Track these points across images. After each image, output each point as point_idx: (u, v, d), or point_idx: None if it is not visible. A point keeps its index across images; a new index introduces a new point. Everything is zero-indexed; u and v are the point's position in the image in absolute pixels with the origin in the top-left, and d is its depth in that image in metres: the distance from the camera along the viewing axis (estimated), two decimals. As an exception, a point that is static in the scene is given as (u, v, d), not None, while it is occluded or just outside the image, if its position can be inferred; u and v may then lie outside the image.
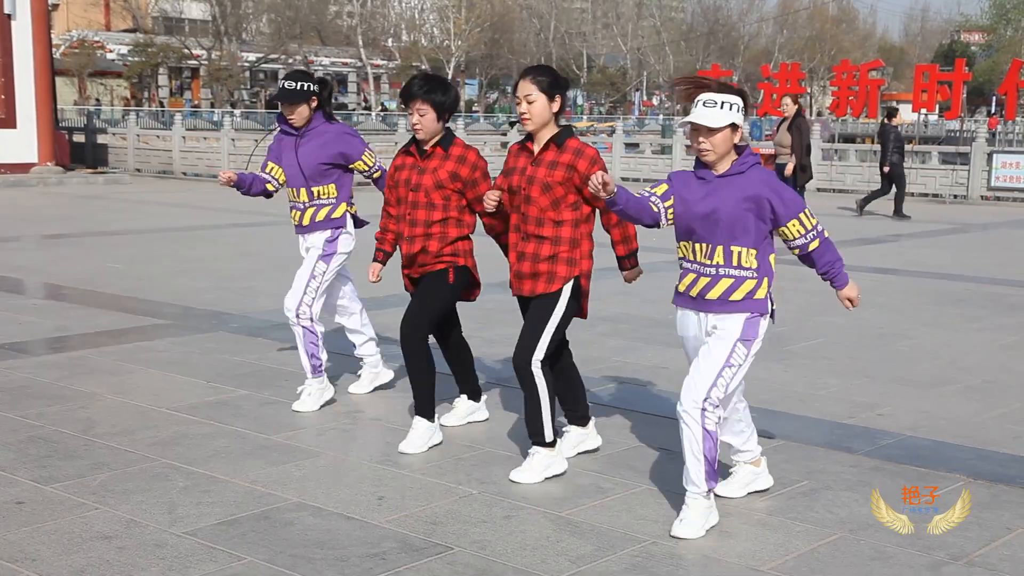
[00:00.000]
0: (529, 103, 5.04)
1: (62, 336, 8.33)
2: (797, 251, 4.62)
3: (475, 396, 6.20)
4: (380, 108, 68.85)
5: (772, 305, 4.66)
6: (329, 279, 6.45)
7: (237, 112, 52.97)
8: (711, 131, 4.41)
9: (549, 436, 5.11)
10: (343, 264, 6.56)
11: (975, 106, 62.46)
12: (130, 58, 62.85)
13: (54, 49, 30.38)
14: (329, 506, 4.83)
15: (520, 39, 76.05)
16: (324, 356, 6.44)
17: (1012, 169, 22.83)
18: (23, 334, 8.32)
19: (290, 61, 66.89)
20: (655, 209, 4.60)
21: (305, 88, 6.27)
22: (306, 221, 6.45)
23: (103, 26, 69.48)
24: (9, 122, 24.19)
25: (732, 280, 4.50)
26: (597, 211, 5.19)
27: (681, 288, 4.67)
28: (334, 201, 6.44)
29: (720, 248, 4.49)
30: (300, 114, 6.31)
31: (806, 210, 4.53)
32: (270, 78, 71.24)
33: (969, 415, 6.42)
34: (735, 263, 4.49)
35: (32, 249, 14.25)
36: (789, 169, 14.97)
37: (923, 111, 32.18)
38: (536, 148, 5.14)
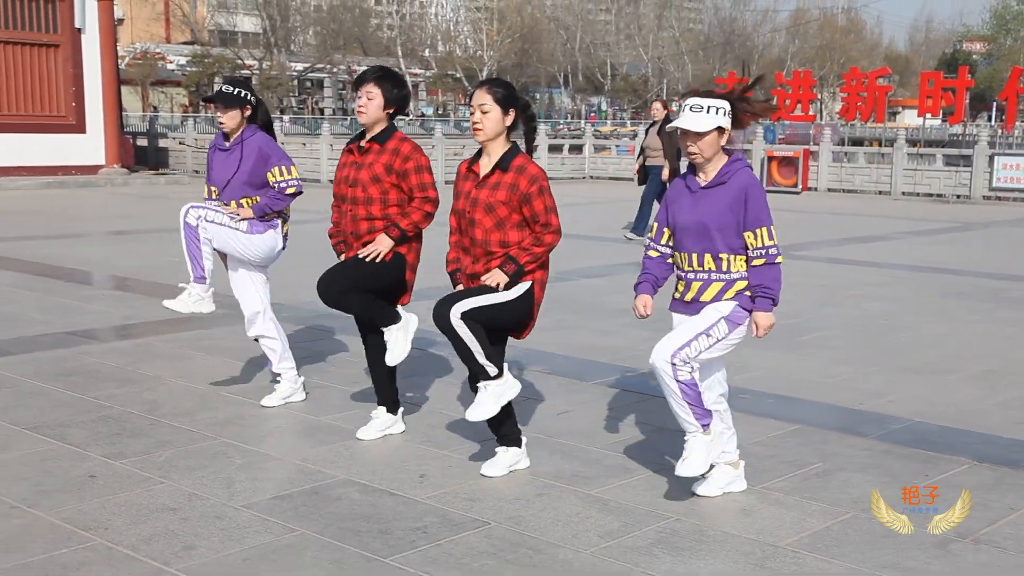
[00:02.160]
0: (483, 113, 4.68)
1: (128, 324, 8.39)
2: (747, 260, 4.43)
3: (394, 408, 5.58)
4: (419, 114, 68.89)
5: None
6: (236, 239, 5.84)
7: (286, 118, 53.00)
8: (698, 135, 4.33)
9: (493, 370, 4.68)
10: (256, 252, 5.92)
11: (976, 111, 61.76)
12: (188, 68, 63.21)
13: (120, 60, 30.56)
14: (374, 483, 4.83)
15: (548, 49, 75.84)
16: (209, 265, 5.86)
17: (1012, 171, 22.54)
18: (93, 322, 8.39)
19: (334, 70, 67.07)
20: (657, 255, 4.63)
21: (240, 94, 5.85)
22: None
23: (164, 39, 69.94)
24: (79, 127, 24.39)
25: (723, 283, 4.44)
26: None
27: (676, 295, 4.60)
28: None
29: (709, 256, 4.42)
30: (231, 119, 5.84)
31: (769, 228, 4.36)
32: (316, 86, 71.56)
33: (973, 402, 6.35)
34: (725, 268, 4.42)
35: (100, 244, 14.35)
36: (665, 174, 14.33)
37: (928, 116, 31.90)
38: (483, 169, 4.76)
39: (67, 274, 11.06)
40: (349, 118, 62.73)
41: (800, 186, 24.79)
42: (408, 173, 5.17)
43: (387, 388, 5.52)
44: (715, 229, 4.35)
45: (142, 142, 30.23)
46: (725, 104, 4.37)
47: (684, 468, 4.43)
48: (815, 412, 6.10)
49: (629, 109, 79.10)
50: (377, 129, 5.20)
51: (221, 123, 5.87)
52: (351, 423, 5.71)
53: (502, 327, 4.80)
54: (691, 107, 4.32)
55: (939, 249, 14.58)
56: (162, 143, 30.54)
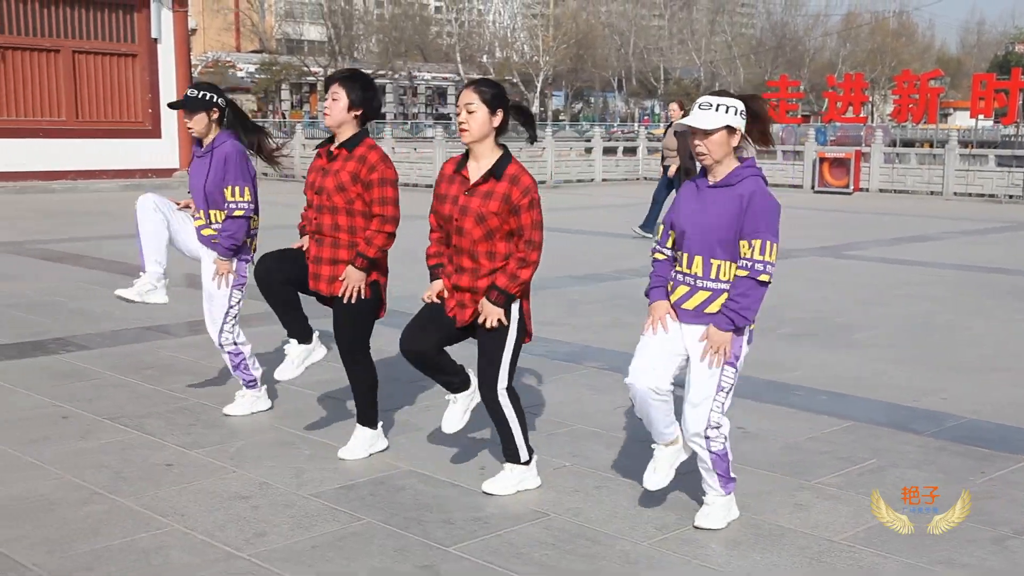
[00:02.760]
0: (469, 112, 4.33)
1: (202, 320, 8.47)
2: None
3: (371, 423, 5.16)
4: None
5: (751, 325, 4.08)
6: (240, 304, 5.75)
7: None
8: (706, 133, 3.97)
9: (524, 456, 4.58)
10: (239, 295, 5.75)
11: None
12: (257, 75, 64.02)
13: (193, 69, 31.00)
14: (436, 474, 4.84)
15: (603, 54, 75.60)
16: (257, 372, 5.78)
17: (1065, 171, 22.06)
18: (168, 318, 8.50)
19: (396, 76, 67.42)
20: (664, 258, 4.25)
21: (206, 97, 5.48)
22: (200, 231, 5.67)
23: (234, 48, 70.89)
24: (155, 132, 24.78)
25: (709, 293, 4.03)
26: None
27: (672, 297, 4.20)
28: None
29: (699, 259, 4.02)
30: (197, 123, 5.49)
31: (766, 242, 3.92)
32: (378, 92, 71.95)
33: (1027, 400, 6.21)
34: (713, 275, 4.02)
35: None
36: (672, 170, 14.61)
37: (980, 117, 31.28)
38: (473, 174, 4.41)
39: (143, 272, 11.21)
40: (410, 122, 63.10)
41: (852, 187, 24.45)
42: (372, 184, 4.76)
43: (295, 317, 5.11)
44: (713, 231, 3.98)
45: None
46: (737, 104, 4.00)
47: (704, 520, 4.20)
48: (867, 409, 6.00)
49: (681, 113, 78.55)
50: (347, 134, 4.83)
51: (189, 128, 5.55)
52: (413, 416, 5.73)
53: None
54: (700, 105, 4.01)
55: (990, 249, 14.29)
56: (231, 147, 30.94)
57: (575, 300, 9.64)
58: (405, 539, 4.08)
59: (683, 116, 14.53)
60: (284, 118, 62.30)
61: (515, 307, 4.45)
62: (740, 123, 3.99)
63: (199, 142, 5.61)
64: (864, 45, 79.38)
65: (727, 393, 4.10)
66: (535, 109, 71.13)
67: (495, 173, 4.35)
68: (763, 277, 3.94)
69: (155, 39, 24.40)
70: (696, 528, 4.20)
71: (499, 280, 4.34)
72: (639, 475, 4.82)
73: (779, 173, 26.32)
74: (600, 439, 5.39)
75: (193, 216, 5.68)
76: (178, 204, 5.72)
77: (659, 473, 4.32)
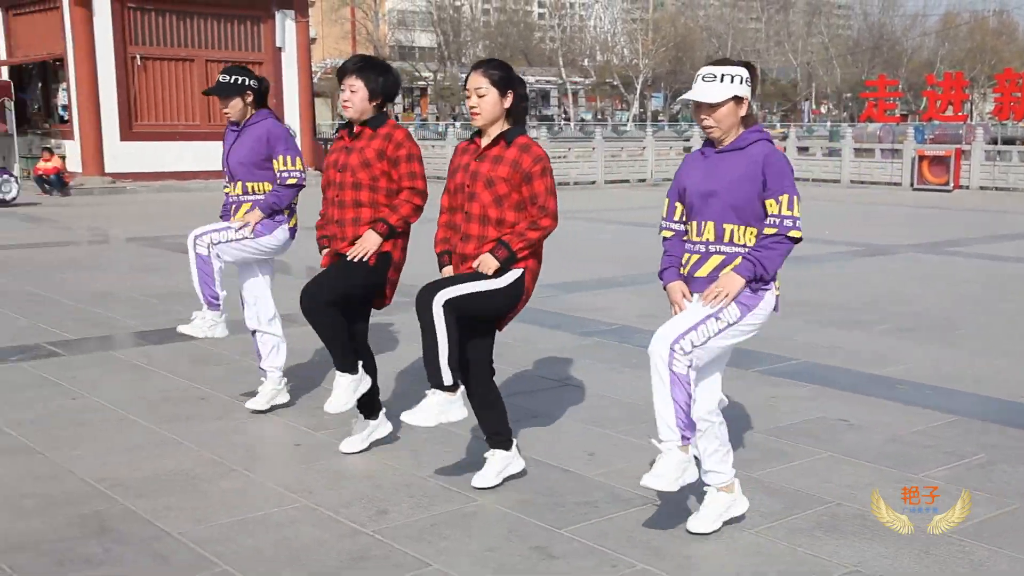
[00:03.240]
0: (479, 97, 4.12)
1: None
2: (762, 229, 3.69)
3: (372, 412, 4.92)
4: (578, 119, 68.90)
5: (774, 289, 3.74)
6: (246, 247, 5.42)
7: (458, 124, 53.84)
8: (712, 107, 3.64)
9: (448, 380, 4.11)
10: (267, 251, 5.53)
11: None
12: (371, 80, 64.93)
13: (313, 75, 31.61)
14: (548, 459, 4.83)
15: (700, 56, 74.43)
16: (221, 291, 5.46)
17: None
18: (290, 307, 8.66)
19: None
20: (671, 234, 3.91)
21: (238, 82, 5.31)
22: (238, 215, 5.45)
23: (350, 55, 72.05)
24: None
25: (723, 257, 3.69)
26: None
27: (682, 271, 3.84)
28: None
29: (711, 224, 3.69)
30: (233, 107, 5.32)
31: (792, 197, 3.61)
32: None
33: None
34: (726, 240, 3.68)
35: (300, 238, 14.85)
36: None
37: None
38: (484, 144, 4.22)
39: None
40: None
41: (952, 184, 23.65)
42: (399, 160, 4.57)
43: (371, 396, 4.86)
44: (724, 194, 3.65)
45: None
46: (742, 71, 3.66)
47: (652, 480, 3.69)
48: (973, 403, 5.78)
49: (778, 112, 77.09)
50: (368, 115, 4.61)
51: (226, 112, 5.37)
52: (526, 402, 5.73)
53: (486, 316, 4.27)
54: (703, 76, 3.65)
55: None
56: (349, 148, 31.48)
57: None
58: (518, 520, 4.08)
59: None
60: (397, 120, 63.08)
61: (513, 274, 4.15)
62: (746, 91, 3.66)
63: (235, 123, 5.43)
64: (963, 44, 76.63)
65: (718, 328, 3.63)
66: (635, 110, 70.70)
67: (505, 138, 4.15)
68: (794, 233, 3.62)
69: (279, 48, 24.97)
70: (644, 487, 3.76)
71: (505, 236, 4.11)
72: (744, 464, 4.74)
73: (877, 171, 25.61)
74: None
75: (226, 194, 5.50)
76: (230, 225, 5.45)
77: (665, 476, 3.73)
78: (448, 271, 4.31)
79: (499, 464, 4.41)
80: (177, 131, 23.61)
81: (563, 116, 74.07)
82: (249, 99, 5.35)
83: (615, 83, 71.07)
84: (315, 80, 41.66)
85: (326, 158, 4.76)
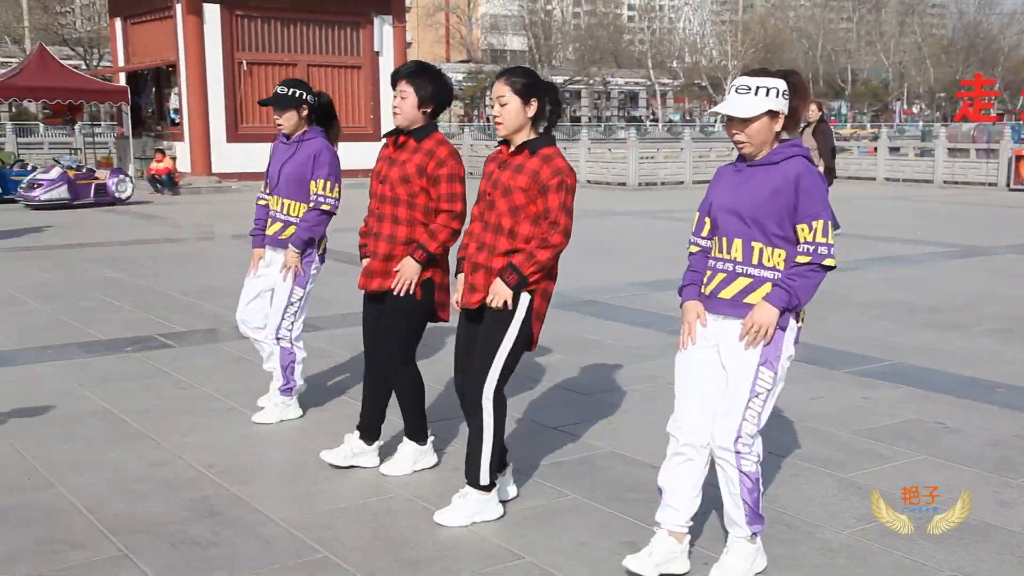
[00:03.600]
0: (502, 105, 3.87)
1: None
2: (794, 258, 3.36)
3: (419, 437, 4.57)
4: (667, 120, 68.27)
5: (799, 321, 3.40)
6: (306, 303, 5.30)
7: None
8: (745, 122, 3.31)
9: (485, 479, 3.90)
10: (310, 286, 5.30)
11: None
12: (464, 84, 65.40)
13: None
14: (637, 456, 4.78)
15: (790, 57, 73.09)
16: (299, 381, 5.33)
17: None
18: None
19: (591, 82, 67.43)
20: (698, 250, 3.59)
21: (295, 95, 5.12)
22: (274, 231, 5.24)
23: (444, 58, 72.65)
24: (376, 136, 25.55)
25: (750, 280, 3.36)
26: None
27: (703, 290, 3.52)
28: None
29: (739, 242, 3.36)
30: (288, 120, 5.14)
31: (822, 222, 3.29)
32: (574, 97, 72.21)
33: None
34: (755, 261, 3.35)
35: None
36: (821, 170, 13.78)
37: None
38: (510, 151, 3.95)
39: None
40: (603, 125, 62.94)
41: (1049, 185, 22.72)
42: (440, 180, 4.24)
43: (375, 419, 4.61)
44: (752, 210, 3.33)
45: (427, 148, 31.53)
46: (779, 83, 3.30)
47: (720, 572, 3.46)
48: (1076, 408, 5.53)
49: (869, 112, 75.20)
50: (415, 126, 4.34)
51: (279, 125, 5.19)
52: (613, 399, 5.68)
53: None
54: (737, 88, 3.32)
55: None
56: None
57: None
58: (608, 516, 4.04)
59: (820, 117, 13.95)
60: (487, 122, 63.37)
61: (524, 301, 3.86)
62: (783, 105, 3.31)
63: (286, 136, 5.26)
64: (1062, 42, 73.65)
65: (763, 401, 3.37)
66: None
67: (530, 147, 3.87)
68: (828, 262, 3.29)
69: (377, 52, 25.28)
70: None
71: (515, 258, 3.82)
72: (836, 465, 4.63)
73: (972, 171, 24.75)
74: (793, 428, 5.19)
75: (270, 210, 5.28)
76: (255, 262, 5.35)
77: (650, 558, 3.48)
78: (460, 279, 4.04)
79: (472, 506, 3.96)
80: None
81: (651, 117, 73.49)
82: (304, 113, 5.15)
83: (703, 84, 70.18)
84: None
85: (376, 164, 4.49)
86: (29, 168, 19.99)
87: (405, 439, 4.54)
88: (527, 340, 3.90)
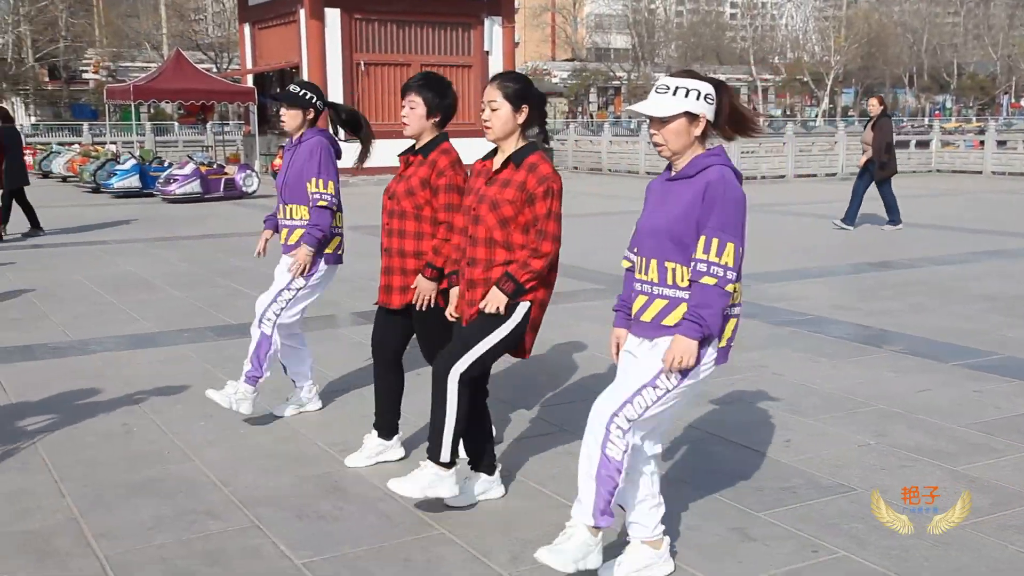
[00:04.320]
0: (492, 110, 3.72)
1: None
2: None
3: (387, 433, 4.46)
4: (767, 116, 66.76)
5: (720, 342, 3.17)
6: (302, 297, 5.00)
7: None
8: (662, 122, 3.09)
9: (445, 456, 3.74)
10: (317, 287, 5.06)
11: None
12: (569, 81, 65.23)
13: (515, 76, 32.07)
14: (744, 443, 4.68)
15: (894, 52, 70.59)
16: (265, 375, 4.97)
17: None
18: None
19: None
20: (630, 265, 3.35)
21: (305, 96, 4.94)
22: (283, 239, 5.06)
23: (550, 57, 72.65)
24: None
25: (666, 302, 3.14)
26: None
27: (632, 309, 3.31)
28: (306, 225, 4.95)
29: (654, 263, 3.15)
30: (291, 118, 4.95)
31: (725, 241, 3.02)
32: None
33: None
34: (669, 281, 3.13)
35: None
36: (861, 161, 13.43)
37: None
38: (496, 164, 3.80)
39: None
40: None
41: None
42: (439, 190, 4.13)
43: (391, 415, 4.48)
44: (665, 229, 3.11)
45: (532, 144, 31.56)
46: (702, 86, 3.08)
47: (548, 556, 3.17)
48: None
49: (975, 106, 72.12)
50: (425, 139, 4.22)
51: (282, 122, 5.06)
52: (716, 387, 5.56)
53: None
54: (657, 88, 3.12)
55: None
56: (548, 144, 31.70)
57: (871, 286, 9.06)
58: (717, 502, 3.97)
59: (881, 111, 13.44)
60: (591, 118, 63.08)
61: (522, 308, 3.71)
62: (704, 108, 3.08)
63: (289, 138, 5.09)
64: None
65: (656, 396, 3.10)
66: (824, 106, 67.84)
67: (515, 160, 3.73)
68: (706, 280, 3.02)
69: (487, 52, 25.39)
70: (536, 560, 3.21)
71: (511, 267, 3.69)
72: (947, 457, 4.45)
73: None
74: (902, 420, 5.00)
75: (280, 222, 5.10)
76: (258, 253, 5.25)
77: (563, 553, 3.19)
78: (455, 293, 3.94)
79: (427, 477, 3.79)
80: (395, 129, 24.30)
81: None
82: (310, 116, 4.98)
83: (805, 79, 68.38)
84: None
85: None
86: (166, 164, 20.74)
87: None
88: (514, 343, 3.77)
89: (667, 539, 3.42)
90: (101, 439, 4.79)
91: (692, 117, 3.08)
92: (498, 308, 3.66)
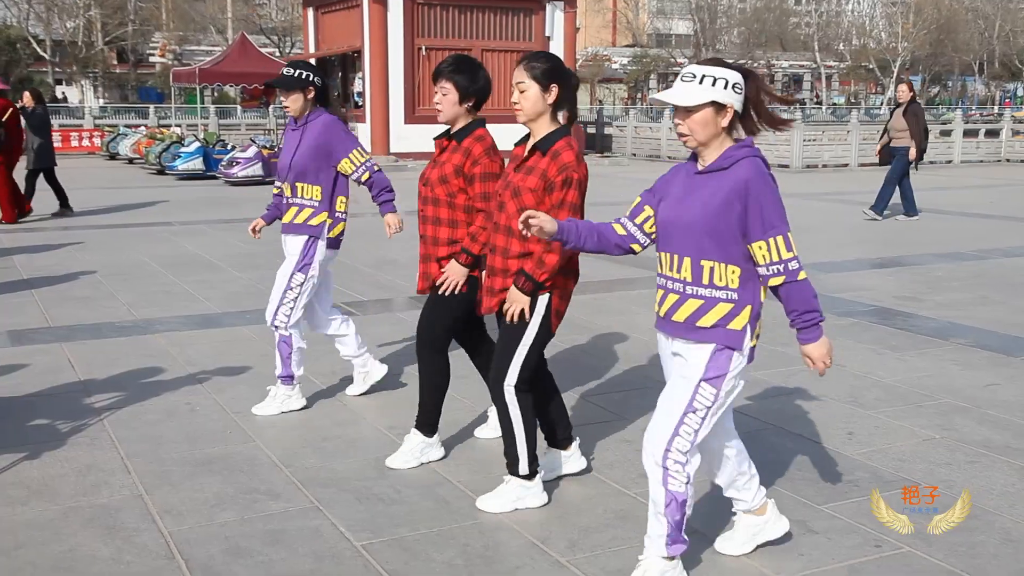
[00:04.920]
0: (521, 92, 3.64)
1: (584, 282, 8.64)
2: (761, 279, 3.05)
3: (431, 431, 4.35)
4: (831, 103, 65.59)
5: (751, 341, 3.09)
6: (307, 290, 4.97)
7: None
8: (688, 111, 2.97)
9: (524, 469, 3.74)
10: (320, 274, 5.03)
11: None
12: (629, 67, 64.71)
13: (576, 62, 31.88)
14: (805, 434, 4.60)
15: (964, 39, 68.72)
16: (297, 371, 5.01)
17: None
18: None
19: (756, 65, 65.31)
20: (621, 232, 3.20)
21: (301, 76, 4.86)
22: (287, 219, 5.03)
23: (610, 43, 72.14)
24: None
25: (702, 302, 3.03)
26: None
27: (655, 308, 3.20)
28: (316, 205, 4.93)
29: (688, 261, 3.02)
30: (294, 102, 4.88)
31: (786, 235, 2.95)
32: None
33: None
34: (706, 281, 3.01)
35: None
36: (912, 154, 12.87)
37: None
38: (525, 151, 3.71)
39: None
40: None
41: None
42: (474, 179, 4.03)
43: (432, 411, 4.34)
44: (701, 225, 2.98)
45: (591, 130, 31.36)
46: (729, 75, 2.97)
47: None
48: None
49: (1048, 94, 69.98)
50: (460, 124, 4.12)
51: (286, 108, 4.96)
52: (776, 378, 5.48)
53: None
54: (682, 76, 3.00)
55: None
56: (607, 131, 31.47)
57: (939, 277, 8.85)
58: (778, 494, 3.89)
59: (911, 97, 13.11)
60: (651, 105, 62.59)
61: (542, 301, 3.65)
62: (732, 98, 2.96)
63: (294, 119, 4.99)
64: None
65: (700, 419, 3.05)
66: (890, 93, 66.37)
67: (541, 147, 3.64)
68: (801, 276, 2.98)
69: (548, 37, 25.29)
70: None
71: (526, 265, 3.60)
72: (1016, 453, 4.33)
73: None
74: (969, 414, 4.88)
75: (285, 200, 5.08)
76: (254, 234, 5.24)
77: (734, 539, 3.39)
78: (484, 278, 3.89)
79: (513, 492, 3.79)
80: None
81: (815, 100, 70.71)
82: (311, 95, 4.91)
83: (871, 67, 66.95)
84: (577, 67, 42.00)
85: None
86: (229, 147, 21.04)
87: (412, 430, 4.29)
88: (548, 336, 3.72)
89: (771, 502, 3.45)
90: (165, 417, 4.88)
91: (719, 107, 2.97)
92: (522, 310, 3.60)
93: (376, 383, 5.32)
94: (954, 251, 10.31)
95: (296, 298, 4.95)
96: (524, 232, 3.13)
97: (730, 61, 3.08)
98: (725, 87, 2.95)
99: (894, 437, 4.57)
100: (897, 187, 13.17)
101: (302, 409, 5.04)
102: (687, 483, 3.07)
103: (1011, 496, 3.87)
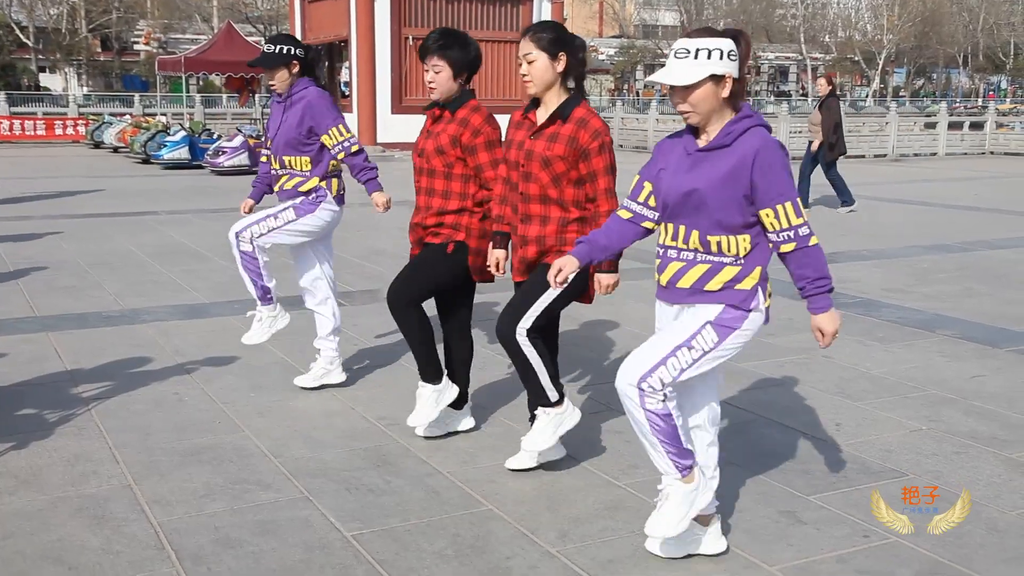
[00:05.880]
0: (529, 63, 3.64)
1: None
2: (772, 247, 3.01)
3: (457, 403, 4.44)
4: (816, 96, 65.74)
5: (763, 302, 3.05)
6: (291, 231, 4.94)
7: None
8: (687, 89, 2.87)
9: (553, 396, 3.81)
10: (314, 231, 5.04)
11: None
12: (615, 58, 64.67)
13: (562, 52, 31.83)
14: (793, 425, 4.62)
15: (948, 31, 69.00)
16: (271, 283, 5.01)
17: None
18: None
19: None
20: (628, 216, 3.16)
21: (283, 51, 4.84)
22: (276, 187, 5.08)
23: (597, 34, 72.06)
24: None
25: (708, 266, 2.99)
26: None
27: (658, 278, 3.14)
28: (306, 175, 4.95)
29: (696, 233, 2.98)
30: (279, 79, 4.88)
31: (789, 203, 2.89)
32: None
33: None
34: (714, 250, 2.98)
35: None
36: (815, 146, 13.16)
37: None
38: (540, 118, 3.73)
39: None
40: (752, 99, 61.12)
41: None
42: (477, 149, 4.03)
43: (457, 379, 4.43)
44: (708, 198, 2.92)
45: (578, 121, 31.39)
46: (723, 43, 2.86)
47: (653, 525, 3.09)
48: None
49: (1030, 87, 70.36)
50: (451, 97, 4.12)
51: (272, 85, 4.96)
52: (766, 370, 5.50)
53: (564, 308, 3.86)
54: (676, 52, 2.87)
55: None
56: (594, 122, 31.51)
57: (925, 269, 8.89)
58: (767, 485, 3.92)
59: (830, 92, 13.20)
60: (637, 95, 62.56)
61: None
62: (729, 67, 2.87)
63: (279, 93, 4.99)
64: None
65: (693, 358, 2.96)
66: (875, 86, 66.62)
67: (561, 114, 3.65)
68: (813, 240, 2.93)
69: (534, 28, 25.24)
70: (646, 535, 3.15)
71: (580, 240, 3.40)
72: (1001, 444, 4.35)
73: None
74: (956, 405, 4.91)
75: (273, 172, 5.09)
76: (268, 212, 5.02)
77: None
78: (500, 255, 3.95)
79: (552, 421, 3.84)
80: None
81: (800, 92, 70.87)
82: (295, 69, 4.90)
83: (856, 59, 67.16)
84: (564, 58, 41.77)
85: (417, 138, 4.32)
86: (215, 136, 20.92)
87: (420, 383, 4.28)
88: (579, 292, 3.78)
89: (718, 516, 3.35)
90: (153, 407, 4.85)
91: (718, 79, 2.88)
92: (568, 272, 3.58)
93: (280, 330, 5.21)
94: (940, 243, 10.36)
95: (273, 230, 4.90)
96: (559, 281, 3.13)
97: (719, 29, 3.02)
98: (721, 57, 2.87)
99: (881, 428, 4.59)
100: (829, 182, 13.28)
101: (304, 387, 5.11)
102: (664, 400, 2.95)
103: (997, 487, 3.89)
